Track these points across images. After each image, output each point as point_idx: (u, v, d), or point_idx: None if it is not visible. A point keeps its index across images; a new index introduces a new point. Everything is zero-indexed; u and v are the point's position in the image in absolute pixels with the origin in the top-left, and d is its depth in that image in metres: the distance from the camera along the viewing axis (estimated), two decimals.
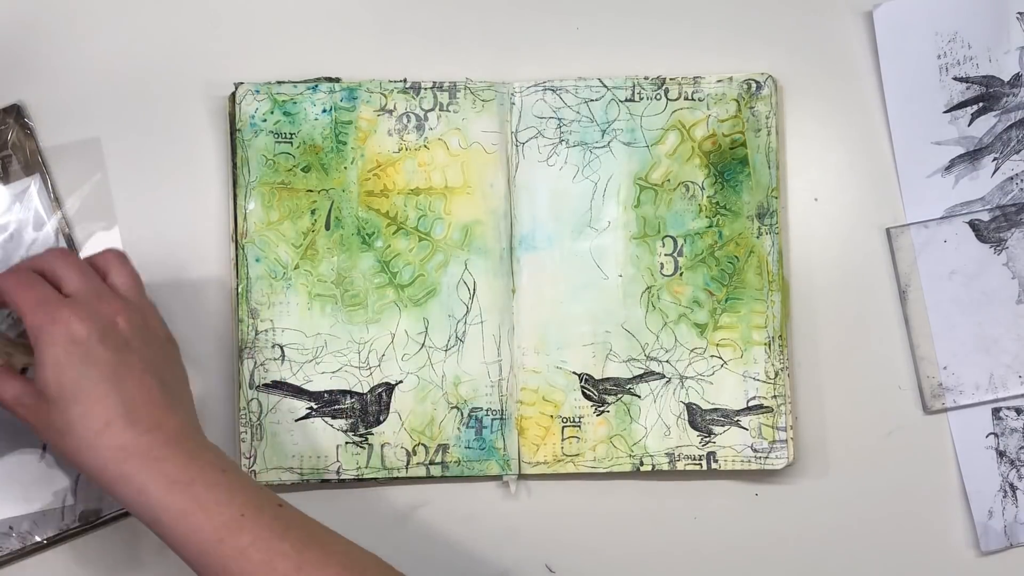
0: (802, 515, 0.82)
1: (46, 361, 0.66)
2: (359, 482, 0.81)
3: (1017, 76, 0.82)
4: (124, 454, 0.66)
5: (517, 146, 0.81)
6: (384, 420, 0.80)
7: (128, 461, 0.65)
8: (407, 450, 0.80)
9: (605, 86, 0.81)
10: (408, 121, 0.81)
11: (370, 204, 0.81)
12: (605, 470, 0.81)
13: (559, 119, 0.81)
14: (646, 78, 0.82)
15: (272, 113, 0.81)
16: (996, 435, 0.82)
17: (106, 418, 0.65)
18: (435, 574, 0.81)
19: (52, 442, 0.67)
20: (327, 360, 0.80)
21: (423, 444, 0.80)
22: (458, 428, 0.80)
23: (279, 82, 0.81)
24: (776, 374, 0.80)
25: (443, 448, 0.80)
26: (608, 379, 0.81)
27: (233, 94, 0.80)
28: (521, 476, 0.81)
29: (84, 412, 0.66)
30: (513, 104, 0.81)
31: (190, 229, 0.81)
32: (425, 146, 0.81)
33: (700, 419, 0.81)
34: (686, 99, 0.81)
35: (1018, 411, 0.82)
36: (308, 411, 0.80)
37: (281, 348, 0.80)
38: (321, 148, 0.81)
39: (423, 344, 0.80)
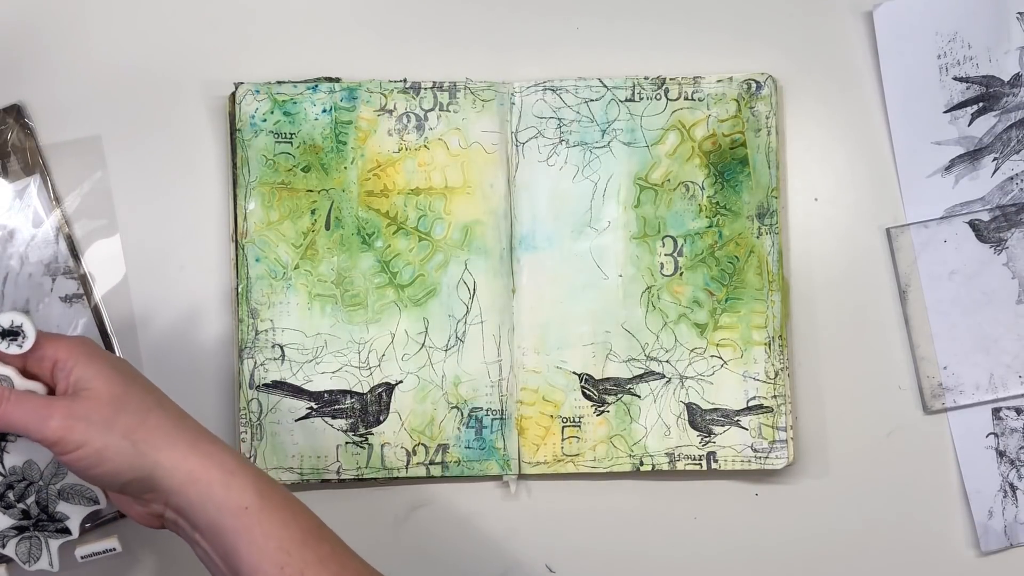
0: (802, 515, 0.82)
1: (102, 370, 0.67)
2: (359, 482, 0.81)
3: (1017, 76, 0.82)
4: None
5: (517, 146, 0.81)
6: (384, 420, 0.80)
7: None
8: (407, 450, 0.80)
9: (605, 86, 0.81)
10: (408, 121, 0.81)
11: (370, 204, 0.81)
12: (605, 470, 0.81)
13: (559, 119, 0.81)
14: (646, 78, 0.82)
15: (272, 113, 0.81)
16: (996, 435, 0.82)
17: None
18: (435, 574, 0.81)
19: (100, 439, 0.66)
20: (327, 360, 0.80)
21: (423, 444, 0.80)
22: (458, 428, 0.80)
23: (279, 82, 0.81)
24: (776, 374, 0.80)
25: (443, 448, 0.80)
26: (608, 379, 0.81)
27: (233, 94, 0.80)
28: (521, 476, 0.81)
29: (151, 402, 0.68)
30: (513, 104, 0.81)
31: (190, 229, 0.81)
32: (425, 146, 0.81)
33: (700, 419, 0.81)
34: (686, 99, 0.81)
35: (1018, 411, 0.82)
36: (308, 411, 0.80)
37: (281, 348, 0.80)
38: (321, 148, 0.81)
39: (423, 344, 0.80)
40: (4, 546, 0.72)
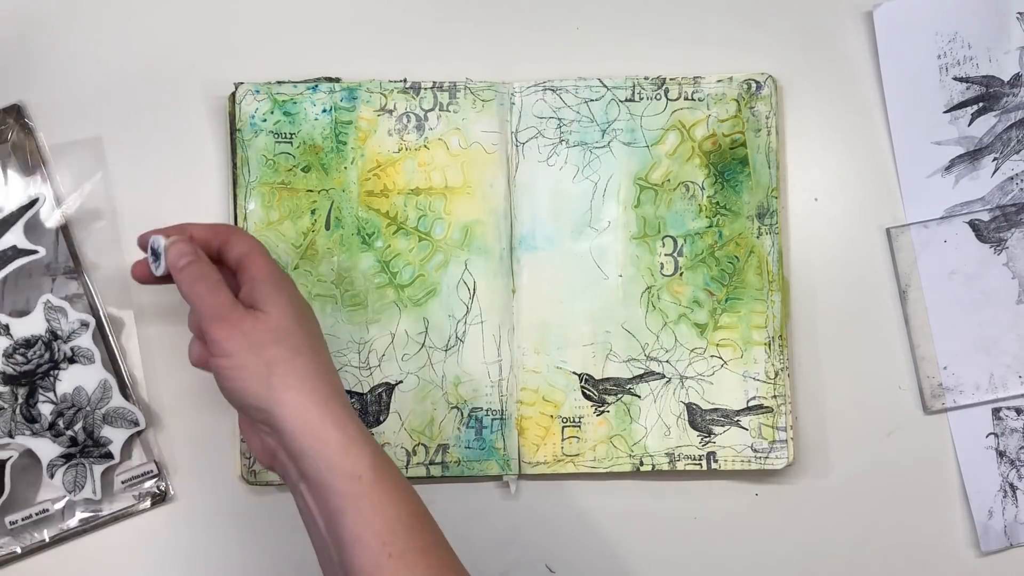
0: (802, 515, 0.82)
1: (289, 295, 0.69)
2: None
3: (1017, 76, 0.82)
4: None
5: (517, 146, 0.81)
6: (384, 420, 0.80)
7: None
8: (407, 450, 0.80)
9: (605, 86, 0.81)
10: (408, 121, 0.81)
11: (370, 204, 0.81)
12: (605, 470, 0.81)
13: (559, 119, 0.81)
14: (646, 78, 0.82)
15: (272, 113, 0.81)
16: (996, 435, 0.82)
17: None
18: None
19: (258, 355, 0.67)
20: None
21: (423, 444, 0.80)
22: (458, 428, 0.80)
23: (279, 82, 0.81)
24: (776, 374, 0.80)
25: (443, 448, 0.80)
26: (608, 379, 0.81)
27: (233, 94, 0.80)
28: (521, 476, 0.81)
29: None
30: (513, 104, 0.81)
31: None
32: (425, 146, 0.81)
33: (700, 419, 0.81)
34: (686, 99, 0.82)
35: (1018, 411, 0.82)
36: None
37: None
38: (321, 148, 0.81)
39: (423, 344, 0.80)
40: (53, 476, 0.77)
